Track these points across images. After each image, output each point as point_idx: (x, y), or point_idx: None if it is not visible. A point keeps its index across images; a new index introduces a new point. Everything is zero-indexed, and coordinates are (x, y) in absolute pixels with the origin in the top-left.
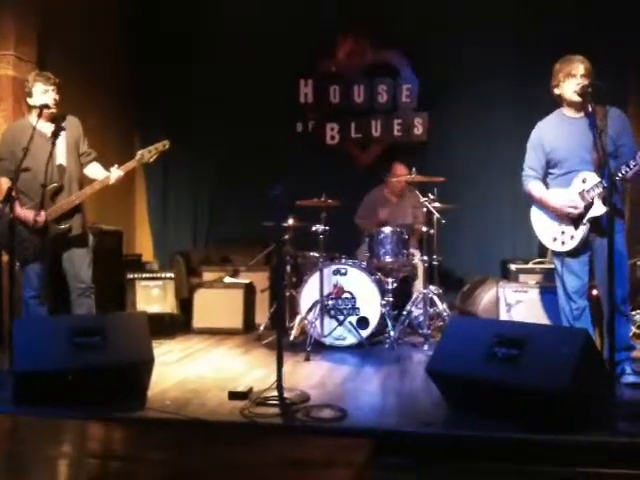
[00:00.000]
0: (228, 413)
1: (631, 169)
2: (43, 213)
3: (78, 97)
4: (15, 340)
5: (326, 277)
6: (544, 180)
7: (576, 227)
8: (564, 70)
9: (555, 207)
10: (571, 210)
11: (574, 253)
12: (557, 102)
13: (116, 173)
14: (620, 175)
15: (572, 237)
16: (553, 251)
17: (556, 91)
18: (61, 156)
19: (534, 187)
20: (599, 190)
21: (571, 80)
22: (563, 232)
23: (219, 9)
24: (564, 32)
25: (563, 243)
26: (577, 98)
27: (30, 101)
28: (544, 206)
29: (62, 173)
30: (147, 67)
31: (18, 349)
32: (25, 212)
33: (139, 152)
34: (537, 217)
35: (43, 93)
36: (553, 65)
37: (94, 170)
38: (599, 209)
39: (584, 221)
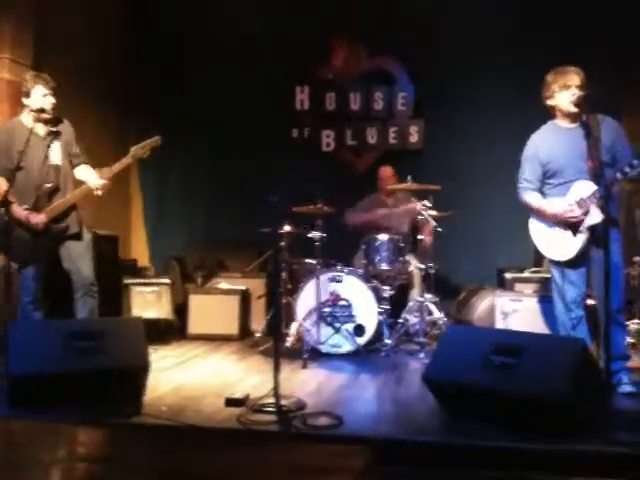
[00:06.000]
0: (224, 420)
1: (634, 168)
2: (43, 215)
3: (73, 100)
4: (10, 343)
5: (322, 284)
6: (541, 191)
7: (574, 236)
8: (559, 81)
9: (553, 214)
10: (570, 215)
11: (573, 263)
12: (549, 112)
13: (97, 181)
14: (619, 176)
15: (571, 246)
16: (551, 261)
17: (549, 102)
18: (56, 156)
19: (531, 197)
20: (595, 198)
21: (567, 91)
22: (562, 242)
23: (215, 19)
24: (561, 42)
25: (562, 253)
26: (574, 109)
27: (26, 101)
28: (542, 215)
29: (57, 173)
30: (143, 71)
31: (13, 352)
32: (23, 213)
33: (132, 149)
34: (536, 227)
35: (42, 97)
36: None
37: (84, 172)
38: (596, 217)
39: (582, 229)
